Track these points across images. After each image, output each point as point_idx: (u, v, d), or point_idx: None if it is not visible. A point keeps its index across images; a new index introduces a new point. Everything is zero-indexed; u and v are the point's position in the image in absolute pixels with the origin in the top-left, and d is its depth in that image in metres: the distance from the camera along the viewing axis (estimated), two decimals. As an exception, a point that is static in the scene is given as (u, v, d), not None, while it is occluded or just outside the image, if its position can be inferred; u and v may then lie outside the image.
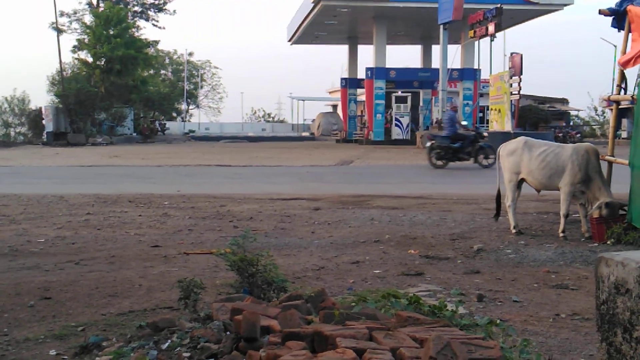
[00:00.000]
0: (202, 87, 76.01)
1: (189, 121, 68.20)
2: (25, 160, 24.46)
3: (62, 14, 49.26)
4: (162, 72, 71.64)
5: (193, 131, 56.26)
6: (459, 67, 36.52)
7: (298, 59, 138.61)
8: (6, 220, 9.32)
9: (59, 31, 44.70)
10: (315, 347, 3.06)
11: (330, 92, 68.05)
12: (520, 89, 28.09)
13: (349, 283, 5.64)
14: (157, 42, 50.66)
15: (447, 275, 6.04)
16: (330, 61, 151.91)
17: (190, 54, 73.46)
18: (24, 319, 4.53)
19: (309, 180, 16.38)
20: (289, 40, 48.91)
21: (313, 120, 62.45)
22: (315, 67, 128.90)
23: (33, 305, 4.86)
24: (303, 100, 68.17)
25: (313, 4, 35.30)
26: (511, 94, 27.95)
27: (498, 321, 3.61)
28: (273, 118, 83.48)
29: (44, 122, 40.96)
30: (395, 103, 37.62)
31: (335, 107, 61.26)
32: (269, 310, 3.57)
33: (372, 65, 37.63)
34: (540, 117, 46.13)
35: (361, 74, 41.12)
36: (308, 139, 50.56)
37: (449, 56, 32.64)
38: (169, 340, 3.52)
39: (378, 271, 6.13)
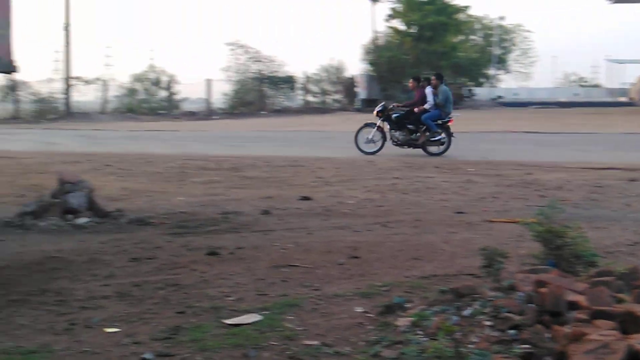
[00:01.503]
0: (512, 51, 74.26)
1: (498, 87, 67.15)
2: (339, 125, 25.92)
3: (377, -16, 51.02)
4: (472, 37, 71.22)
5: (501, 97, 55.32)
6: None
7: (618, 20, 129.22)
8: (321, 182, 9.97)
9: (374, 1, 46.46)
10: (626, 328, 2.84)
11: (653, 54, 62.53)
12: None
13: (668, 262, 5.15)
14: (467, 7, 50.40)
15: None
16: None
17: (501, 18, 71.96)
18: (334, 276, 4.80)
19: (625, 149, 15.26)
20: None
21: (633, 84, 58.02)
22: (638, 27, 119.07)
23: (343, 263, 5.14)
24: (621, 63, 63.61)
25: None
26: None
27: None
28: (587, 83, 79.03)
29: (357, 89, 43.02)
30: None
31: (658, 69, 56.22)
32: (576, 285, 3.39)
33: None
34: None
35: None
36: (625, 105, 47.08)
37: None
38: (471, 308, 3.50)
39: None
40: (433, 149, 15.12)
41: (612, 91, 62.01)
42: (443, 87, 15.38)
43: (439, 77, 15.59)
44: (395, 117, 15.26)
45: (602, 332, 2.75)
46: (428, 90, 15.21)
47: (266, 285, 4.56)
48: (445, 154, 14.38)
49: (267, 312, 3.91)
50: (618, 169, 11.04)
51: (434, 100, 15.04)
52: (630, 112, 36.24)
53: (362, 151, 15.20)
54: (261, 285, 4.54)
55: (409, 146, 15.26)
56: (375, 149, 15.31)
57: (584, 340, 2.75)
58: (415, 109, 15.09)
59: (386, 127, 15.37)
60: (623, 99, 53.53)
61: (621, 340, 2.68)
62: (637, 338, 2.66)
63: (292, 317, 3.84)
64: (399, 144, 15.26)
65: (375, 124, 15.41)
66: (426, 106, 14.92)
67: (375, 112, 15.53)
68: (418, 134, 15.07)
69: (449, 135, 14.99)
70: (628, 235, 6.10)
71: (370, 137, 15.33)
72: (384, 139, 15.35)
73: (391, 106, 15.86)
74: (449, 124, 15.00)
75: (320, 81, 46.35)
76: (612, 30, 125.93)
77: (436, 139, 14.98)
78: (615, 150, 15.12)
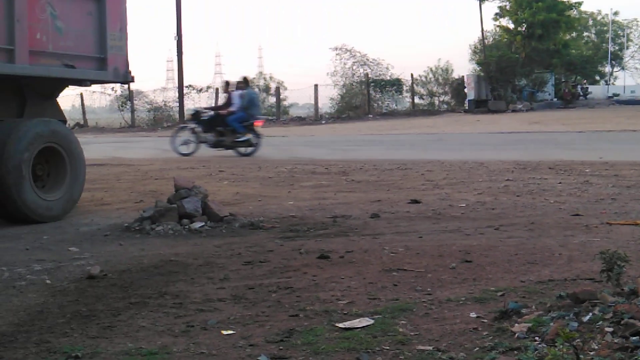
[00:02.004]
0: (628, 47, 71.32)
1: (613, 84, 64.65)
2: (448, 127, 25.64)
3: (484, -17, 50.15)
4: (585, 34, 68.88)
5: (617, 94, 53.17)
6: None
7: None
8: (430, 185, 9.88)
9: (482, 0, 45.69)
10: None
11: None
12: None
13: None
14: (580, 3, 48.71)
15: None
16: None
17: (615, 14, 69.25)
18: (446, 280, 4.74)
19: None
20: None
21: None
22: None
23: (454, 268, 5.06)
24: None
25: None
26: None
27: None
28: None
29: (465, 90, 42.42)
30: None
31: None
32: None
33: None
34: None
35: None
36: None
37: None
38: (591, 313, 3.38)
39: None
40: (242, 149, 16.26)
41: None
42: (248, 91, 16.71)
43: (245, 82, 16.88)
44: (205, 119, 16.45)
45: None
46: (235, 94, 16.45)
47: (377, 289, 4.55)
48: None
49: (378, 316, 3.90)
50: None
51: (240, 103, 16.21)
52: None
53: (178, 153, 16.38)
54: (372, 289, 4.54)
55: (220, 147, 16.34)
56: (190, 151, 16.51)
57: None
58: (223, 112, 16.34)
59: (200, 129, 16.56)
60: None
61: None
62: None
63: (405, 322, 3.81)
64: (211, 145, 16.37)
65: (190, 126, 16.78)
66: (232, 108, 16.17)
67: (189, 116, 17.00)
68: (226, 136, 16.23)
69: (257, 136, 16.21)
70: None
71: (185, 139, 16.61)
72: (199, 141, 16.52)
73: (203, 109, 17.47)
74: (256, 125, 16.18)
75: (428, 83, 45.93)
76: None
77: (242, 139, 16.12)
78: None
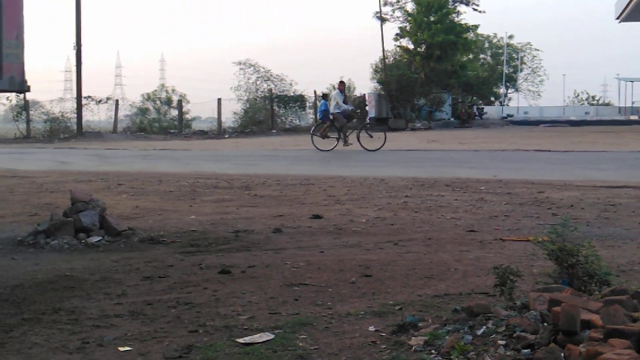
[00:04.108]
0: (521, 70, 74.37)
1: (508, 105, 67.20)
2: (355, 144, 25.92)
3: (385, 3, 51.25)
4: (481, 56, 71.35)
5: (511, 115, 55.36)
6: None
7: (627, 38, 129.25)
8: (332, 200, 9.97)
9: (383, 20, 46.68)
10: (641, 347, 2.82)
11: (663, 72, 62.51)
12: None
13: (683, 281, 5.11)
14: (476, 26, 50.53)
15: None
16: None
17: (510, 37, 72.26)
18: (346, 294, 4.79)
19: (638, 168, 15.21)
20: (617, 18, 45.73)
21: (644, 103, 57.90)
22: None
23: (354, 282, 5.13)
24: (632, 81, 63.51)
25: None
26: None
27: None
28: (597, 101, 78.98)
29: (367, 108, 43.14)
30: None
31: (670, 87, 56.18)
32: (590, 304, 3.37)
33: None
34: None
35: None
36: (637, 123, 46.92)
37: None
38: (484, 327, 3.49)
39: None
40: None
41: (623, 109, 61.89)
42: None
43: None
44: None
45: (617, 351, 2.72)
46: None
47: (278, 303, 4.56)
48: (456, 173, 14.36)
49: (279, 331, 3.91)
50: (631, 187, 11.00)
51: None
52: (641, 130, 36.13)
53: None
54: (273, 304, 4.54)
55: None
56: None
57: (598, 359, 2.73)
58: None
59: None
60: (634, 117, 53.37)
61: (636, 359, 2.66)
62: (653, 357, 2.64)
63: (305, 336, 3.83)
64: None
65: None
66: None
67: None
68: None
69: None
70: (641, 254, 6.07)
71: None
72: None
73: None
74: None
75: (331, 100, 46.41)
76: (622, 48, 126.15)
77: None
78: (627, 168, 15.06)
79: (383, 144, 20.57)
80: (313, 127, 22.36)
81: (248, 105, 42.78)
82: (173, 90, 43.29)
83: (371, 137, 20.61)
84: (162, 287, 5.03)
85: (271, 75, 43.69)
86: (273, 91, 42.64)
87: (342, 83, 22.37)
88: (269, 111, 41.70)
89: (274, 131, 38.66)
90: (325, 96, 24.11)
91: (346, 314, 4.27)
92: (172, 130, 38.99)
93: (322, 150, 20.85)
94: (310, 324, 4.04)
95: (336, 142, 21.02)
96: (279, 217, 8.43)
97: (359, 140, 20.64)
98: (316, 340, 3.76)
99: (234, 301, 4.62)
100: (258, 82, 43.47)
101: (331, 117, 21.05)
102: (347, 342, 3.73)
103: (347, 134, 21.03)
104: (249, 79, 43.29)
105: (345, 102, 21.66)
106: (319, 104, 26.33)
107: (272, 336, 3.81)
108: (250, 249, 6.47)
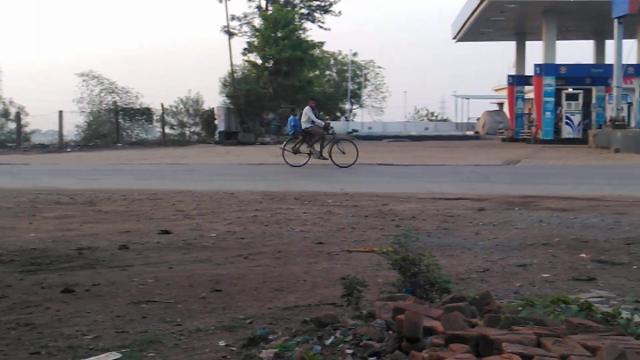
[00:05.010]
0: (365, 86, 76.76)
1: (353, 120, 69.05)
2: (199, 158, 25.73)
3: (233, 18, 51.46)
4: (327, 72, 73.01)
5: (356, 130, 56.96)
6: (634, 62, 34.63)
7: (463, 57, 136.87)
8: (181, 215, 9.83)
9: (230, 34, 46.75)
10: (479, 351, 2.99)
11: (495, 90, 66.53)
12: None
13: (515, 286, 5.46)
14: (322, 43, 51.73)
15: (621, 281, 5.70)
16: (496, 58, 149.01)
17: (355, 54, 74.49)
18: (196, 310, 4.75)
19: (473, 180, 16.08)
20: (454, 38, 48.31)
21: (478, 119, 61.28)
22: (480, 64, 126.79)
23: (204, 297, 5.09)
24: (467, 98, 67.18)
25: (480, 0, 34.73)
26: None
27: (680, 333, 3.35)
28: (436, 117, 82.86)
29: (216, 122, 43.00)
30: (566, 100, 36.39)
31: (501, 105, 59.89)
32: (432, 311, 3.53)
33: (540, 61, 36.50)
34: None
35: (529, 71, 40.13)
36: (472, 138, 49.64)
37: (624, 51, 31.03)
38: (333, 337, 3.56)
39: (546, 275, 5.90)
40: None
41: (460, 125, 65.26)
42: None
43: None
44: None
45: (457, 356, 2.87)
46: None
47: (125, 322, 4.44)
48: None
49: (126, 350, 3.81)
50: (467, 199, 11.61)
51: None
52: (476, 145, 38.25)
53: None
54: (120, 323, 4.42)
55: None
56: None
57: (440, 364, 2.87)
58: None
59: None
60: (470, 133, 56.42)
61: (474, 362, 2.82)
62: None
63: (153, 354, 3.76)
64: None
65: None
66: None
67: None
68: None
69: None
70: (478, 262, 6.42)
71: None
72: None
73: None
74: None
75: (179, 113, 45.93)
76: (458, 67, 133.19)
77: None
78: (464, 181, 15.88)
79: (356, 160, 20.11)
80: (285, 142, 21.78)
81: (92, 118, 41.47)
82: (11, 102, 41.14)
83: (344, 153, 20.11)
84: (0, 308, 4.77)
85: (116, 87, 42.64)
86: (118, 104, 41.58)
87: (313, 99, 22.43)
88: (114, 124, 40.60)
89: (120, 145, 37.65)
90: (293, 111, 24.43)
91: (196, 329, 4.23)
92: (9, 144, 37.02)
93: (293, 165, 20.11)
94: (158, 342, 3.97)
95: (308, 158, 20.42)
96: (126, 233, 8.21)
97: (330, 155, 20.10)
98: (165, 358, 3.70)
99: (78, 321, 4.45)
100: (102, 94, 42.31)
101: (307, 130, 20.37)
102: (197, 358, 3.70)
103: (324, 145, 20.31)
104: (92, 90, 42.04)
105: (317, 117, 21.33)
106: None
107: (119, 355, 3.71)
108: (94, 267, 6.25)
